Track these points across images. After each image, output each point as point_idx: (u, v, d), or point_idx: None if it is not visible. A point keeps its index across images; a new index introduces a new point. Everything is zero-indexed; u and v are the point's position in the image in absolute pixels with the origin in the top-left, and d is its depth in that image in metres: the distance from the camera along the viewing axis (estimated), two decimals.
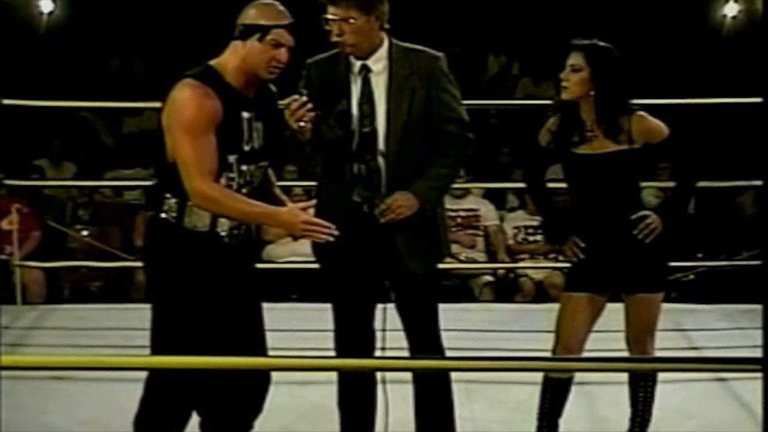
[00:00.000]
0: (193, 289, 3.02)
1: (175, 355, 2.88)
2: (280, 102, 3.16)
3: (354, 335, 3.41)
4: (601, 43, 3.45)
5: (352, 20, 3.19)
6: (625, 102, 3.43)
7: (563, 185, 3.62)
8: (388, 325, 3.41)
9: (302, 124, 3.10)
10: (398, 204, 3.25)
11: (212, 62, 3.04)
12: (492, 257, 6.52)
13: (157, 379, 3.09)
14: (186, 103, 2.92)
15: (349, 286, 3.40)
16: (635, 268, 3.48)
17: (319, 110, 3.14)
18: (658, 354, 3.65)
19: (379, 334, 3.43)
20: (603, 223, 3.48)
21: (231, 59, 3.02)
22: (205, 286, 3.02)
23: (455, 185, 6.08)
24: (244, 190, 3.05)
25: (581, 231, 3.51)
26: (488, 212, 6.59)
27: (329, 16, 3.21)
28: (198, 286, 3.02)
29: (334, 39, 3.24)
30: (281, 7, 3.05)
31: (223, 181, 3.00)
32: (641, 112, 3.46)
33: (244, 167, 3.03)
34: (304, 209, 3.02)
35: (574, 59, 3.41)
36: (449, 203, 6.36)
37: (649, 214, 3.48)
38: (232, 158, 3.00)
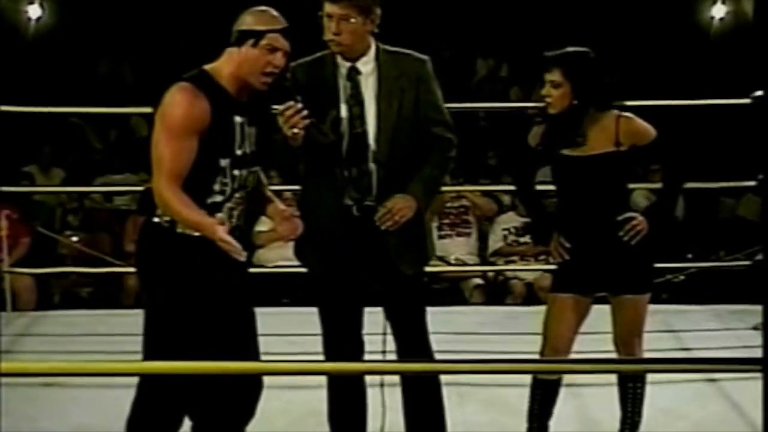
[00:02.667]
0: (185, 293, 3.02)
1: (167, 359, 2.88)
2: (275, 107, 3.16)
3: (343, 339, 3.41)
4: (573, 50, 3.45)
5: (351, 20, 3.21)
6: (609, 103, 3.45)
7: (552, 187, 3.64)
8: (388, 329, 3.42)
9: (296, 130, 3.10)
10: (399, 207, 3.25)
11: (207, 67, 3.05)
12: (482, 257, 6.54)
13: (149, 383, 3.08)
14: (174, 104, 2.95)
15: (337, 289, 3.40)
16: (621, 270, 3.49)
17: (313, 117, 3.15)
18: (648, 355, 3.65)
19: (379, 338, 3.43)
20: (590, 224, 3.49)
21: (226, 65, 3.03)
22: (198, 291, 3.02)
23: (449, 188, 6.11)
24: (237, 195, 3.05)
25: (568, 232, 3.53)
26: (478, 199, 6.61)
27: (327, 13, 3.22)
28: (191, 290, 3.02)
29: (329, 37, 3.25)
30: (275, 13, 3.06)
31: (216, 186, 3.01)
32: (628, 114, 3.48)
33: (236, 172, 3.04)
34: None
35: (553, 75, 3.43)
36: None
37: (635, 216, 3.49)
38: (224, 162, 3.01)
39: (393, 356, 3.40)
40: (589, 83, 3.42)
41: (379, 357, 3.41)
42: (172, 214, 2.98)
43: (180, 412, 3.13)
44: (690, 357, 4.59)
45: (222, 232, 2.88)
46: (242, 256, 2.90)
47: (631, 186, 3.76)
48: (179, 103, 2.94)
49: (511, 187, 4.64)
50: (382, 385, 3.48)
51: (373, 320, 3.45)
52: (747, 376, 2.41)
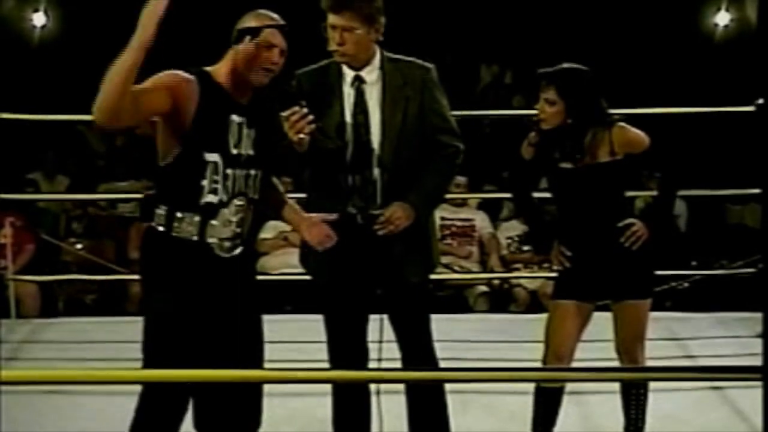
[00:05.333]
0: (182, 299, 3.01)
1: (166, 366, 2.88)
2: (281, 113, 3.16)
3: (347, 347, 3.42)
4: (569, 67, 3.46)
5: (355, 31, 3.22)
6: (602, 119, 3.45)
7: (551, 195, 3.64)
8: (384, 336, 3.42)
9: (302, 136, 3.10)
10: (397, 215, 3.26)
11: (208, 68, 3.08)
12: (486, 264, 6.53)
13: (150, 390, 3.08)
14: (160, 74, 2.97)
15: (342, 297, 3.40)
16: (622, 276, 3.50)
17: (322, 125, 3.15)
18: (653, 362, 3.66)
19: (375, 345, 3.43)
20: (589, 232, 3.50)
21: (225, 64, 3.07)
22: (195, 297, 3.02)
23: (453, 195, 6.11)
24: (236, 201, 3.05)
25: (568, 240, 3.53)
26: (483, 221, 6.62)
27: (331, 25, 3.23)
28: (188, 297, 3.02)
29: (333, 47, 3.26)
30: (274, 14, 3.08)
31: (205, 182, 2.99)
32: (621, 123, 3.48)
33: (229, 171, 3.03)
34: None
35: (548, 93, 3.43)
36: (445, 213, 6.39)
37: (634, 222, 3.50)
38: (211, 156, 3.00)
39: (388, 364, 3.39)
40: (583, 101, 3.43)
41: (374, 364, 3.41)
42: (111, 88, 2.82)
43: (180, 418, 3.13)
44: (694, 365, 4.59)
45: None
46: None
47: (634, 193, 3.76)
48: (163, 73, 2.97)
49: None
50: (378, 393, 3.49)
51: (369, 327, 3.45)
52: (751, 384, 2.40)
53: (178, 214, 3.01)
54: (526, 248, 6.61)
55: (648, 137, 3.49)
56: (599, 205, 3.49)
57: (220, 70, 3.06)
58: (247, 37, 3.03)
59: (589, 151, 3.45)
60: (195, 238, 3.02)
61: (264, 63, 3.02)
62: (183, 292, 3.02)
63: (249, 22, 3.06)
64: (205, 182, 3.00)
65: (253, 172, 3.09)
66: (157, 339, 3.04)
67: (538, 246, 5.79)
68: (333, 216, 3.20)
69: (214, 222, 3.03)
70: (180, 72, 3.00)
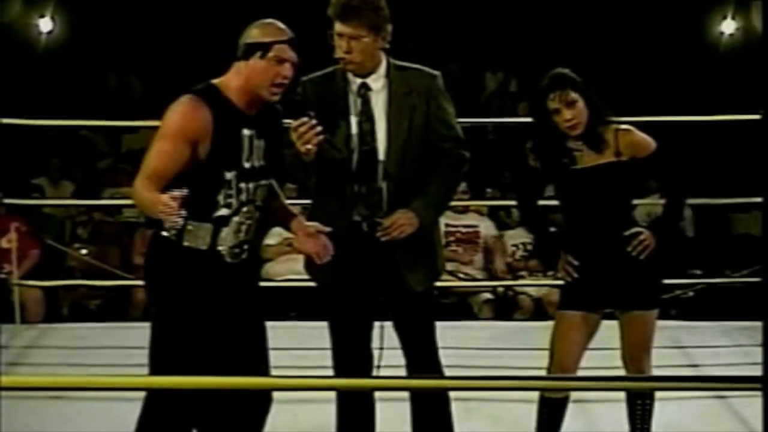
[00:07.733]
0: (193, 307, 3.02)
1: (173, 373, 2.89)
2: (290, 123, 3.15)
3: (352, 354, 3.41)
4: (562, 70, 3.47)
5: (362, 39, 3.22)
6: (604, 116, 3.46)
7: (557, 203, 3.63)
8: (385, 344, 3.42)
9: (309, 146, 3.10)
10: (401, 222, 3.26)
11: (215, 81, 3.06)
12: (490, 271, 6.53)
13: (155, 396, 3.08)
14: (173, 111, 2.98)
15: (347, 304, 3.40)
16: (629, 286, 3.48)
17: (327, 133, 3.15)
18: (658, 371, 3.64)
19: (375, 352, 3.42)
20: (595, 239, 3.48)
21: (234, 79, 3.03)
22: (205, 305, 3.02)
23: (456, 202, 6.11)
24: (245, 209, 3.05)
25: (574, 249, 3.52)
26: (487, 228, 6.62)
27: (338, 33, 3.23)
28: (198, 305, 3.02)
29: (340, 55, 3.25)
30: (281, 25, 3.06)
31: (221, 198, 3.01)
32: (626, 126, 3.48)
33: (242, 185, 3.04)
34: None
35: (566, 96, 3.41)
36: (450, 219, 6.39)
37: (642, 231, 3.48)
38: (229, 175, 3.01)
39: (388, 371, 3.38)
40: (593, 92, 3.44)
41: (374, 371, 3.41)
42: (138, 204, 2.98)
43: (186, 426, 3.13)
44: (696, 375, 4.58)
45: (166, 198, 2.82)
46: (176, 224, 2.84)
47: (638, 201, 3.75)
48: (177, 112, 2.97)
49: None
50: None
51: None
52: (755, 394, 2.40)
53: (189, 226, 3.00)
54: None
55: (654, 142, 3.49)
56: (605, 208, 3.47)
57: (229, 84, 3.03)
58: (258, 53, 3.00)
59: (595, 151, 3.44)
60: (206, 247, 3.02)
61: (276, 79, 3.00)
62: (193, 300, 3.02)
63: (257, 36, 3.01)
64: (220, 198, 3.01)
65: (263, 182, 3.10)
66: (167, 347, 3.03)
67: (545, 257, 5.78)
68: (326, 228, 3.18)
69: (224, 230, 3.03)
70: (189, 103, 2.97)
